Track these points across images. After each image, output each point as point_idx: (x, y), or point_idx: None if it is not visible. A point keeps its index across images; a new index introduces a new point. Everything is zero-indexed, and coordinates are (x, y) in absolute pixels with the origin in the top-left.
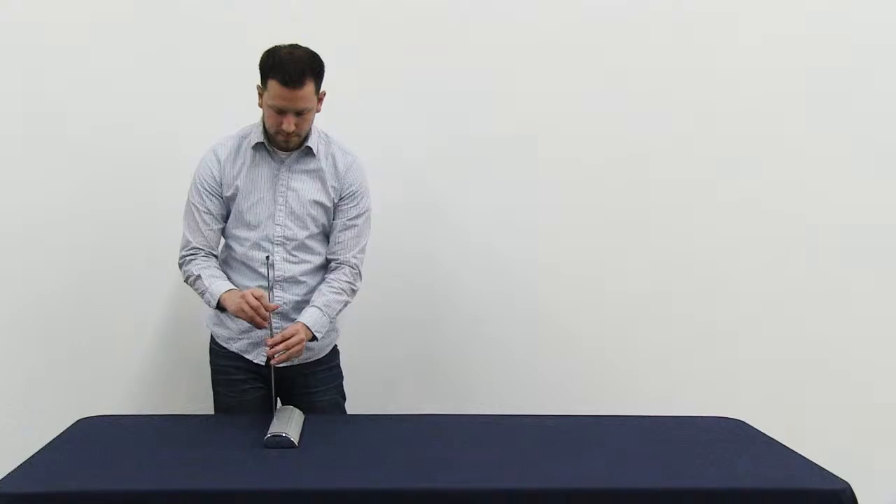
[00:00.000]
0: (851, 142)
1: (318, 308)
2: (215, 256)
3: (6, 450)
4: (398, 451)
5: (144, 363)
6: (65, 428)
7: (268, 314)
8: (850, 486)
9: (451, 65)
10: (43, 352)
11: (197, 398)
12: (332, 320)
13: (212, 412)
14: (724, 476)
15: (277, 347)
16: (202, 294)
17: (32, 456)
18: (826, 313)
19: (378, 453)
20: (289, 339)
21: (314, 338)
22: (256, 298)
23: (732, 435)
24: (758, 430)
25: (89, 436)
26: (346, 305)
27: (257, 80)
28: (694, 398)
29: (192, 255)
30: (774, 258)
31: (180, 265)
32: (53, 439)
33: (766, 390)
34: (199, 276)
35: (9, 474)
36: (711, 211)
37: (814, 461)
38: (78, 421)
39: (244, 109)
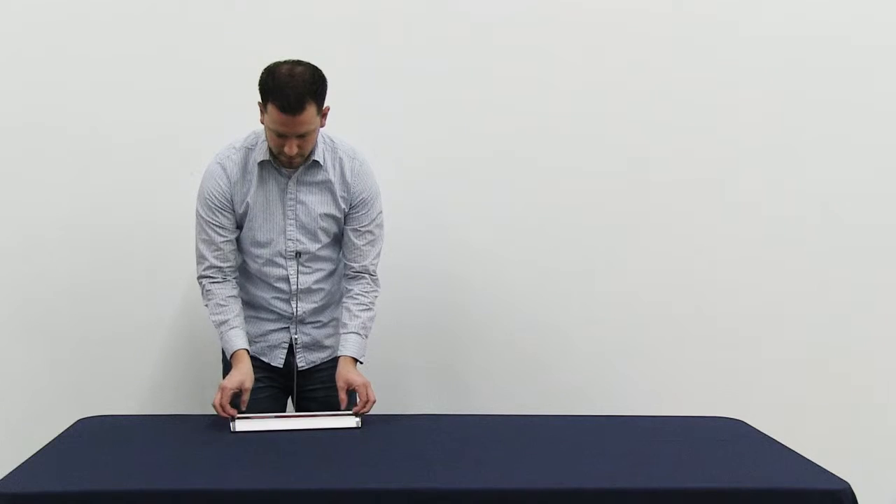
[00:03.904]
0: (851, 142)
1: (357, 333)
2: (233, 278)
3: (6, 450)
4: (400, 450)
5: (145, 363)
6: (65, 428)
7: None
8: (850, 486)
9: (448, 66)
10: (44, 352)
11: (198, 398)
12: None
13: (212, 412)
14: (724, 476)
15: (367, 408)
16: (219, 333)
17: (32, 456)
18: (826, 313)
19: (380, 453)
20: (368, 398)
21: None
22: (228, 398)
23: (732, 435)
24: (758, 430)
25: (89, 436)
26: (374, 316)
27: (259, 77)
28: (694, 398)
29: (210, 277)
30: (774, 258)
31: (198, 283)
32: (53, 439)
33: (767, 390)
34: (212, 320)
35: (9, 474)
36: (712, 211)
37: (814, 461)
38: (78, 421)
39: (245, 111)
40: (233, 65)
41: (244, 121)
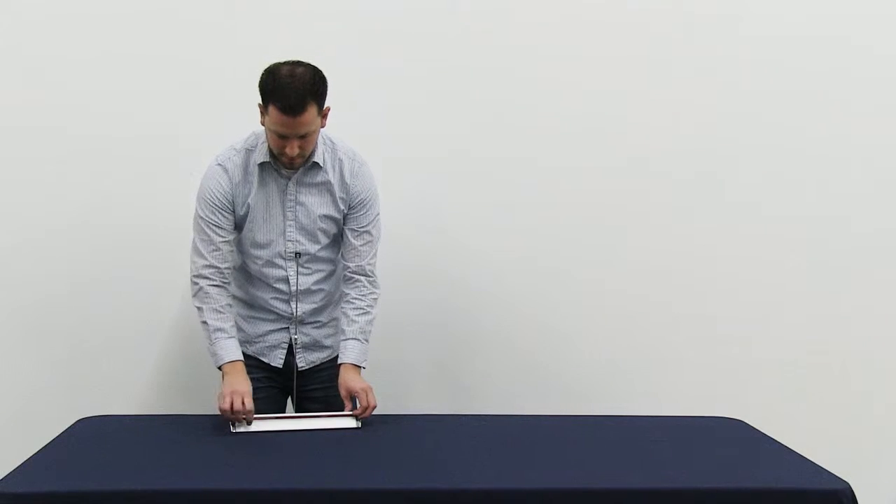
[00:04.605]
0: (852, 143)
1: (356, 339)
2: (227, 283)
3: (6, 450)
4: (400, 450)
5: (145, 363)
6: (65, 428)
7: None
8: (850, 486)
9: (448, 67)
10: (43, 352)
11: (198, 398)
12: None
13: (212, 412)
14: (724, 476)
15: (367, 413)
16: (208, 343)
17: (32, 456)
18: (826, 313)
19: (379, 453)
20: (369, 403)
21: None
22: (241, 404)
23: (732, 435)
24: (758, 430)
25: (89, 436)
26: (374, 318)
27: (259, 78)
28: (694, 398)
29: (207, 277)
30: (774, 258)
31: (193, 283)
32: (53, 439)
33: (767, 390)
34: (205, 323)
35: (9, 474)
36: (712, 211)
37: (814, 461)
38: (78, 421)
39: (245, 111)
40: (233, 65)
41: (244, 121)
